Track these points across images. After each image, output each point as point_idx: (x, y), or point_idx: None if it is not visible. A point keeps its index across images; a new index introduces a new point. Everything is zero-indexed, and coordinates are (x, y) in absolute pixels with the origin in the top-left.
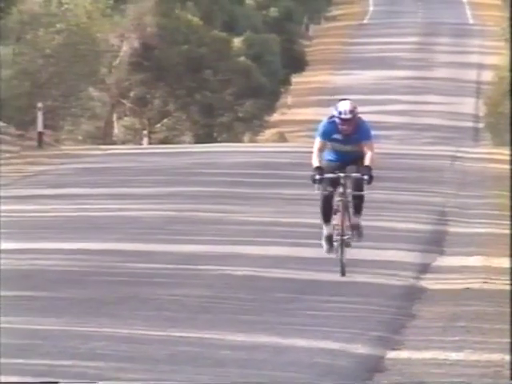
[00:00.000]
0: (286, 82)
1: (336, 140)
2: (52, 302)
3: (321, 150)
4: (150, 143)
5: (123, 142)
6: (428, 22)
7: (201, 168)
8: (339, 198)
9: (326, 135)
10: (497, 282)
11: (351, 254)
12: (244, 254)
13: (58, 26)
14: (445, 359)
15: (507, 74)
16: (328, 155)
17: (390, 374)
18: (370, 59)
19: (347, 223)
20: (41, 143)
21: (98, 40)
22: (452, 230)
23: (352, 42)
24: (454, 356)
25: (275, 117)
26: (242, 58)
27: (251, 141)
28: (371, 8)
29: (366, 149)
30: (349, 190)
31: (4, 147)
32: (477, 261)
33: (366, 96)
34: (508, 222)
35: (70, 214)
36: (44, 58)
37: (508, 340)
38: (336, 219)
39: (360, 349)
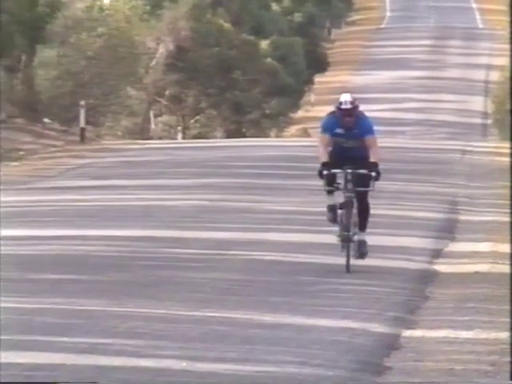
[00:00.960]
0: (310, 81)
1: (338, 134)
2: (94, 284)
3: (326, 145)
4: (184, 138)
5: (159, 137)
6: (440, 26)
7: (231, 161)
8: (346, 195)
9: (329, 130)
10: (503, 266)
11: (369, 240)
12: (270, 240)
13: (99, 30)
14: (455, 337)
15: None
16: (334, 150)
17: (405, 351)
18: (387, 60)
19: (353, 219)
20: (83, 138)
21: (136, 43)
22: (462, 218)
23: (370, 45)
24: (464, 334)
25: (299, 114)
26: (269, 60)
27: (277, 136)
28: (388, 14)
29: (369, 144)
30: (352, 186)
31: (49, 142)
32: (485, 246)
33: (383, 94)
34: None
35: (111, 203)
36: (86, 59)
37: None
38: (341, 215)
39: (378, 328)
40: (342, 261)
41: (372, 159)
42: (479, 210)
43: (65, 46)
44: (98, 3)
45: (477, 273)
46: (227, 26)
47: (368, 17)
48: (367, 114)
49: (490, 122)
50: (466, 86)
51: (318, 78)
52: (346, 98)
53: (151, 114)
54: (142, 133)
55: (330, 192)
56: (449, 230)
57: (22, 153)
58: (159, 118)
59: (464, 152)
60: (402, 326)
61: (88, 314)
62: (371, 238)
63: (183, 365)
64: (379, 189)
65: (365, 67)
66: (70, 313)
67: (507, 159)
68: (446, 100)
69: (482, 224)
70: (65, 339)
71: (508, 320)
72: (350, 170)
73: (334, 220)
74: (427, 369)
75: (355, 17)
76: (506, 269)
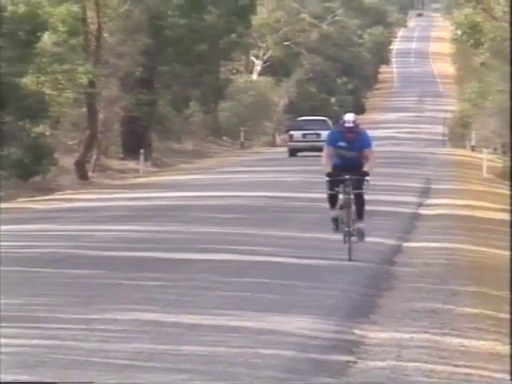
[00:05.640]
0: None
1: (341, 147)
2: (246, 220)
3: (329, 156)
4: None
5: (281, 146)
6: (422, 90)
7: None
8: (345, 196)
9: (333, 142)
10: (456, 211)
11: (384, 198)
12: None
13: (250, 92)
14: (429, 246)
15: (459, 114)
16: (336, 160)
17: (404, 253)
18: (395, 107)
19: (352, 217)
20: (242, 147)
21: (269, 99)
22: (433, 186)
23: (387, 100)
24: (434, 245)
25: None
26: (335, 107)
27: None
28: (396, 84)
29: (366, 155)
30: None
31: (225, 148)
32: (446, 201)
33: (393, 124)
34: (460, 182)
35: (254, 179)
36: (243, 108)
37: (459, 237)
38: (343, 214)
39: (390, 241)
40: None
41: (365, 168)
42: (442, 182)
43: (233, 100)
44: (250, 79)
45: (441, 214)
46: (314, 90)
47: (385, 85)
48: (386, 134)
49: (446, 138)
50: (434, 120)
51: (360, 116)
52: (349, 117)
53: (276, 134)
54: (272, 144)
55: (332, 205)
56: (426, 192)
57: (211, 154)
58: (280, 136)
59: (433, 153)
60: (402, 241)
61: (243, 236)
62: (384, 197)
63: (294, 261)
64: (388, 172)
65: (384, 111)
66: (233, 235)
67: (457, 157)
68: (424, 127)
69: (444, 190)
70: (232, 247)
71: (456, 237)
72: (347, 176)
73: (336, 229)
74: (414, 262)
75: (379, 85)
76: (457, 212)
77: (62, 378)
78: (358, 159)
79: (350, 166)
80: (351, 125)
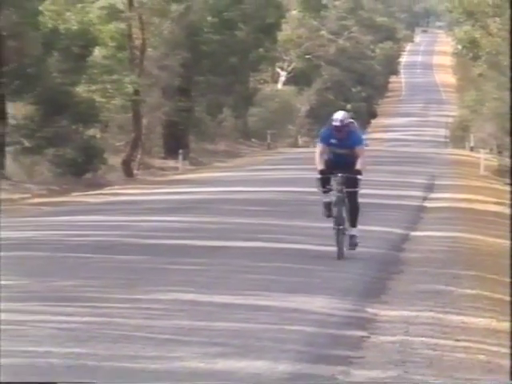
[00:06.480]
0: (369, 122)
1: (332, 144)
2: (271, 212)
3: (322, 153)
4: (314, 147)
5: (303, 147)
6: (426, 98)
7: None
8: (337, 194)
9: (325, 140)
10: (457, 204)
11: (393, 192)
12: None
13: (276, 99)
14: (433, 235)
15: (459, 119)
16: (329, 158)
17: (411, 241)
18: (403, 113)
19: (343, 215)
20: (269, 147)
21: (292, 105)
22: (437, 182)
23: (395, 107)
24: (437, 234)
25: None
26: (350, 113)
27: None
28: (403, 92)
29: (357, 153)
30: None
31: (254, 149)
32: (448, 195)
33: (401, 127)
34: (460, 178)
35: (278, 176)
36: (269, 113)
37: (460, 227)
38: (334, 212)
39: (398, 231)
40: (377, 201)
41: (357, 166)
42: (445, 179)
43: (261, 107)
44: (275, 88)
45: (444, 207)
46: (332, 98)
47: (394, 94)
48: (395, 136)
49: (447, 140)
50: (437, 124)
51: (372, 121)
52: (338, 116)
53: (299, 136)
54: (294, 145)
55: (324, 191)
56: (430, 187)
57: (242, 154)
58: (302, 138)
59: (437, 153)
60: (409, 230)
61: (269, 226)
62: (393, 192)
63: (313, 247)
64: (396, 170)
65: (393, 116)
66: (260, 225)
67: (457, 157)
68: (428, 130)
69: (446, 185)
70: (259, 236)
71: (456, 227)
72: (340, 175)
73: (328, 215)
74: (420, 249)
75: (389, 94)
76: (458, 205)
77: (110, 351)
78: (350, 157)
79: (342, 164)
80: (338, 123)
